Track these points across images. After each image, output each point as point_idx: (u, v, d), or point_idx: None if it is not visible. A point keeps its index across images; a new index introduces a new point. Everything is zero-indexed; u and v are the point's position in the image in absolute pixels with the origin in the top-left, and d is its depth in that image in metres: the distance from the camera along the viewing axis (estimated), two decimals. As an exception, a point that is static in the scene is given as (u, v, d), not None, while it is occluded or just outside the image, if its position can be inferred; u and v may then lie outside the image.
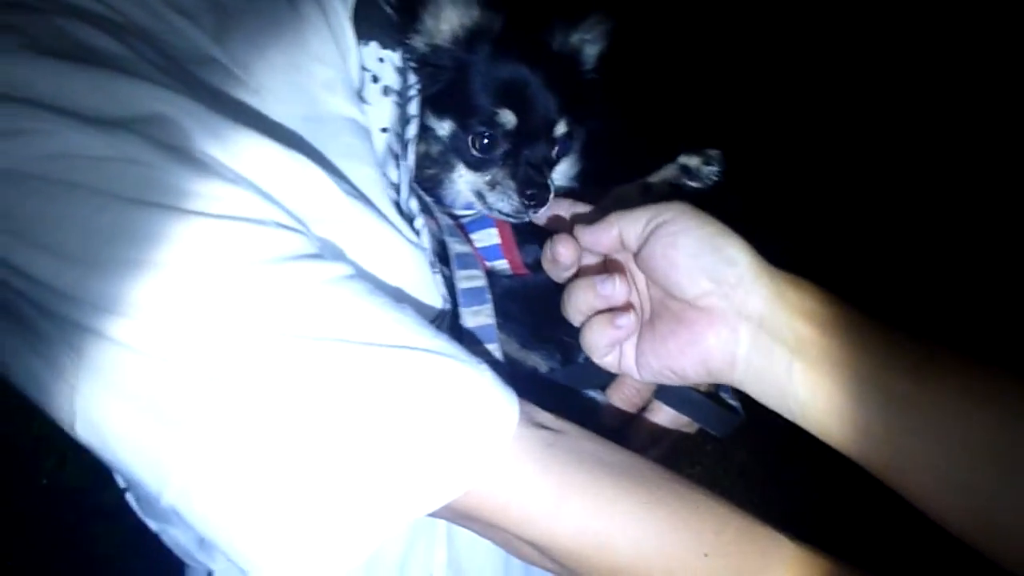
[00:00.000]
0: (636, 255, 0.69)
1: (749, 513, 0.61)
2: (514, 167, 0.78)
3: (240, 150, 0.60)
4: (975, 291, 1.70)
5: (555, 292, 0.76)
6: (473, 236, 0.82)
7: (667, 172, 0.82)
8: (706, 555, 0.58)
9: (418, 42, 0.79)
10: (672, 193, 0.80)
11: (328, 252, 0.63)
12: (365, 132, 0.75)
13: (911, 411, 0.57)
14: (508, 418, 0.59)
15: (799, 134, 1.86)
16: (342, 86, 0.74)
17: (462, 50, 0.79)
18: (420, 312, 0.66)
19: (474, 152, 0.79)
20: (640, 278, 0.72)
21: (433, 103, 0.79)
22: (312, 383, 0.56)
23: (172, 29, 0.65)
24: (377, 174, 0.73)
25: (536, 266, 0.82)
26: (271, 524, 0.56)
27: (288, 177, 0.62)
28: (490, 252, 0.82)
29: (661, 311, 0.70)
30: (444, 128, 0.80)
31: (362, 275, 0.64)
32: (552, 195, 0.78)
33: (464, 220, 0.83)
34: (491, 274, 0.80)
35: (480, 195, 0.81)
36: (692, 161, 0.80)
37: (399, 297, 0.67)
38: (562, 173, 0.85)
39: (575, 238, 0.71)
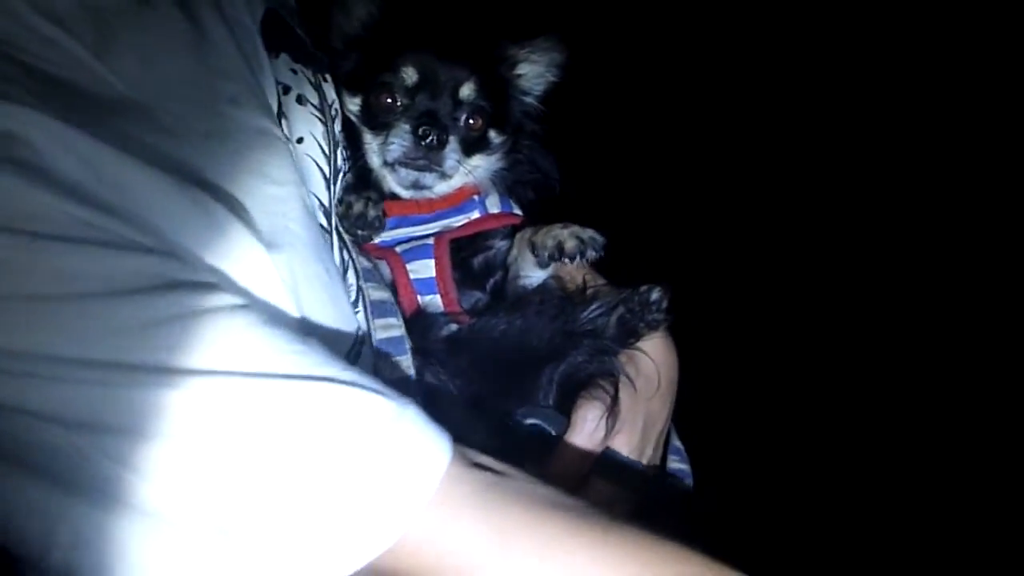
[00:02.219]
0: None
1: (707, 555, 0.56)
2: (412, 115, 0.76)
3: (109, 173, 0.52)
4: (976, 291, 1.69)
5: (501, 350, 0.71)
6: (410, 267, 0.76)
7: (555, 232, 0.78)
8: None
9: (335, 39, 0.80)
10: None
11: (218, 281, 0.54)
12: (281, 145, 0.66)
13: None
14: (438, 457, 0.51)
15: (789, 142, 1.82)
16: (252, 98, 0.66)
17: (371, 34, 0.80)
18: (330, 342, 0.59)
19: (376, 113, 0.77)
20: None
21: (347, 84, 0.79)
22: (204, 423, 0.47)
23: (40, 39, 0.56)
24: (292, 193, 0.65)
25: (473, 312, 0.78)
26: None
27: (164, 202, 0.54)
28: (425, 285, 0.76)
29: None
30: (355, 103, 0.79)
31: (259, 305, 0.55)
32: (453, 145, 0.76)
33: (401, 250, 0.77)
34: (429, 317, 0.75)
35: (384, 161, 0.77)
36: (570, 243, 0.76)
37: (304, 330, 0.59)
38: (483, 167, 0.81)
39: None
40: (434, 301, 0.76)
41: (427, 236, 0.78)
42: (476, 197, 0.81)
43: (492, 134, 0.80)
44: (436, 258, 0.76)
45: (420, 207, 0.79)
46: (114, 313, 0.47)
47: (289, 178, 0.65)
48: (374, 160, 0.78)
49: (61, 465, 0.48)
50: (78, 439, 0.48)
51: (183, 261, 0.52)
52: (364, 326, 0.69)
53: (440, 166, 0.75)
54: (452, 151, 0.75)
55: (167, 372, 0.47)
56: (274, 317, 0.54)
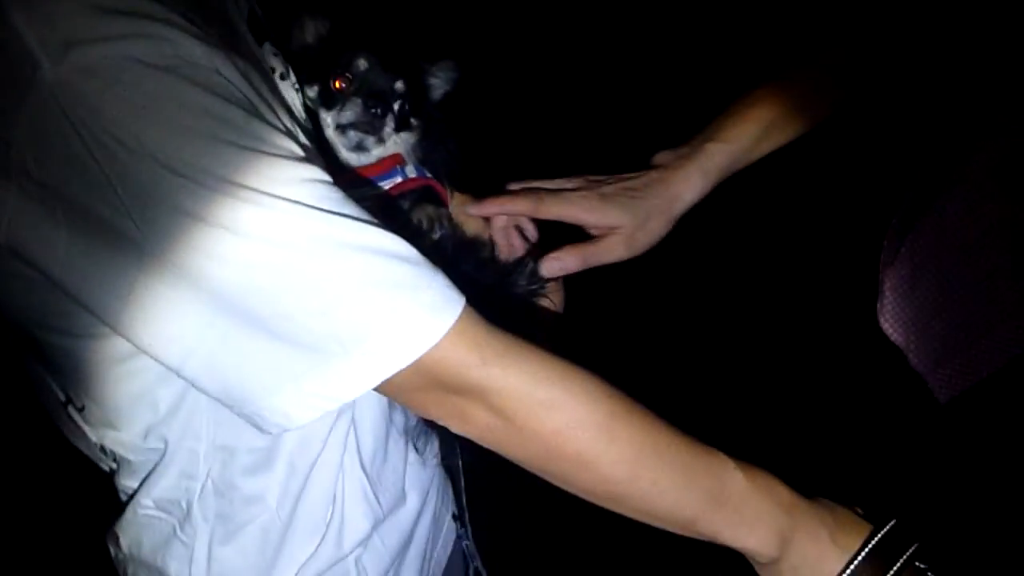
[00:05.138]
0: None
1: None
2: (363, 92, 0.99)
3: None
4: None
5: None
6: None
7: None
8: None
9: (293, 46, 1.01)
10: None
11: None
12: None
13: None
14: (462, 298, 0.71)
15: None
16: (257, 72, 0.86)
17: (323, 45, 1.02)
18: None
19: (333, 94, 0.99)
20: None
21: (308, 77, 1.00)
22: (317, 242, 0.67)
23: None
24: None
25: None
26: (278, 375, 0.68)
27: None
28: None
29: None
30: (314, 90, 1.00)
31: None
32: (389, 119, 1.00)
33: None
34: None
35: (339, 127, 1.00)
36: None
37: None
38: (404, 142, 1.05)
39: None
40: None
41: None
42: (398, 167, 1.03)
43: (412, 119, 1.04)
44: None
45: (358, 174, 1.00)
46: (280, 169, 0.68)
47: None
48: (328, 130, 0.99)
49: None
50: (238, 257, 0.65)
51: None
52: None
53: (379, 132, 0.99)
54: (389, 122, 0.99)
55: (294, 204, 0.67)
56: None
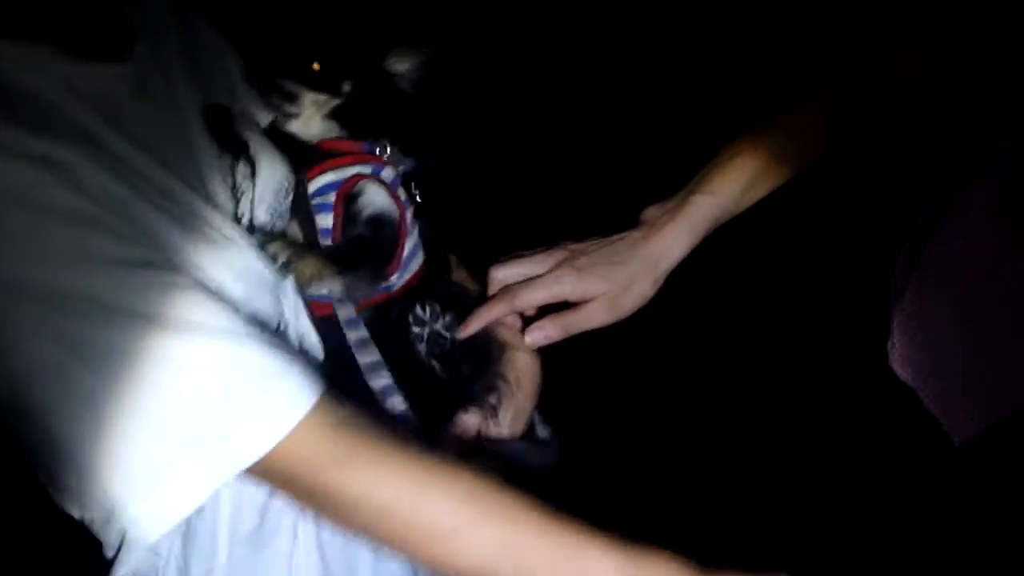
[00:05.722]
0: None
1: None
2: None
3: (115, 193, 0.74)
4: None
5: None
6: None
7: None
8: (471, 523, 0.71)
9: None
10: None
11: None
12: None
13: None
14: (311, 394, 0.73)
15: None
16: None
17: None
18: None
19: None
20: None
21: None
22: (156, 352, 0.69)
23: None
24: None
25: None
26: (126, 475, 0.70)
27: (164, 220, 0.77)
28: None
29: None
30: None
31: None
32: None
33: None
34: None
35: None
36: None
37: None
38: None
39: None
40: None
41: None
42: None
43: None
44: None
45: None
46: (120, 279, 0.70)
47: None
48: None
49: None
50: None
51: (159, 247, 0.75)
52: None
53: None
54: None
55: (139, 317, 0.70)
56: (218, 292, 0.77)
